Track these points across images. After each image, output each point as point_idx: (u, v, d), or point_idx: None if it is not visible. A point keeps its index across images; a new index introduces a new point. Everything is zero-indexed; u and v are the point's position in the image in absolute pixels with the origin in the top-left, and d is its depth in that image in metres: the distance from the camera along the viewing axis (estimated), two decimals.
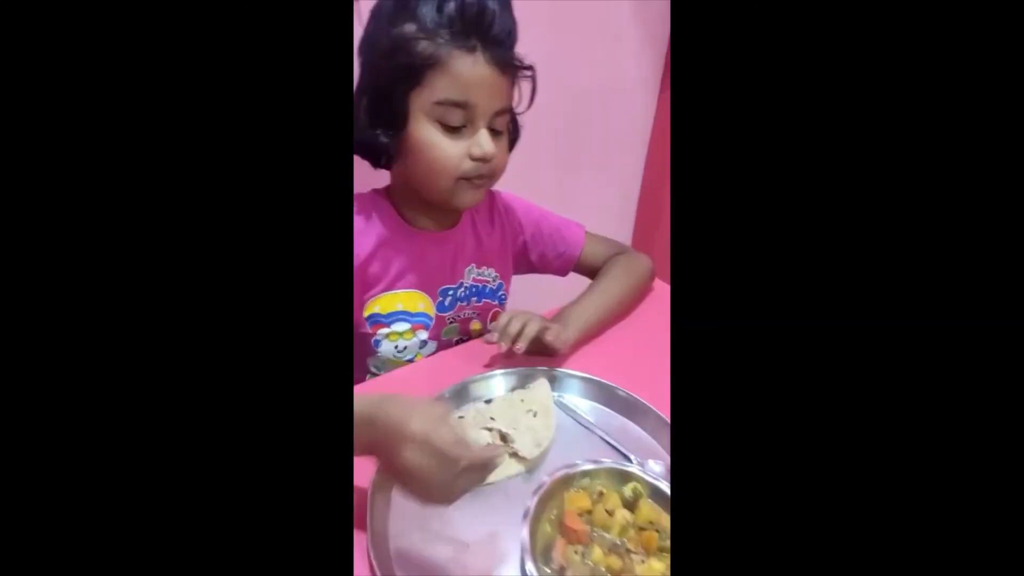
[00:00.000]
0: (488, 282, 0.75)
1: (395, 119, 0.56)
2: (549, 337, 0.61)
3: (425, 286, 0.68)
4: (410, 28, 0.54)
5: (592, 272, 0.79)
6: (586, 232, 0.81)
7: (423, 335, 0.68)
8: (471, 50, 0.54)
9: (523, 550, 0.42)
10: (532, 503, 0.45)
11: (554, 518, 0.45)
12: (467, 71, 0.54)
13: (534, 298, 0.85)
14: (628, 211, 1.53)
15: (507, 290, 0.78)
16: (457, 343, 0.73)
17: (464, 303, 0.72)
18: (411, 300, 0.67)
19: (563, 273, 0.82)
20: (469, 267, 0.72)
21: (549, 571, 0.41)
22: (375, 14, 0.58)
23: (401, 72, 0.54)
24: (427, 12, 0.53)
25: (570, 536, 0.43)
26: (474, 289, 0.73)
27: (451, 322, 0.71)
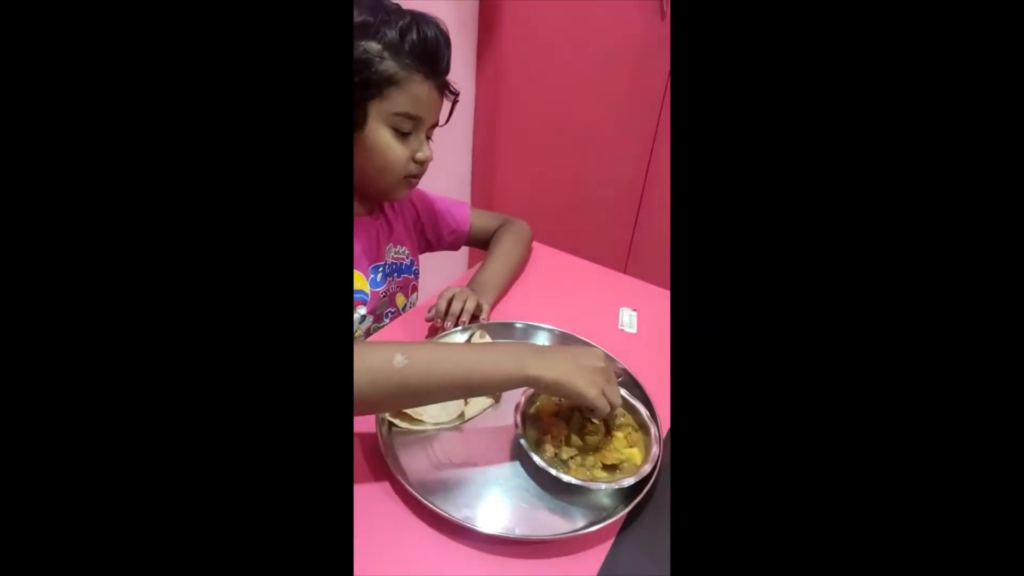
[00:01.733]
0: (403, 259, 0.84)
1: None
2: (483, 317, 0.75)
3: (360, 266, 0.75)
4: (374, 46, 0.62)
5: (481, 242, 0.93)
6: (470, 208, 0.94)
7: (362, 310, 0.76)
8: (426, 76, 0.65)
9: (524, 450, 0.56)
10: (518, 418, 0.59)
11: (534, 424, 0.61)
12: (424, 93, 0.65)
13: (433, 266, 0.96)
14: (464, 182, 1.71)
15: (418, 266, 0.88)
16: (387, 316, 0.81)
17: (390, 278, 0.81)
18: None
19: (456, 248, 0.95)
20: (388, 246, 0.81)
21: (548, 457, 0.57)
22: None
23: (364, 83, 0.62)
24: (392, 36, 0.62)
25: (553, 432, 0.59)
26: (395, 266, 0.82)
27: (384, 296, 0.79)
